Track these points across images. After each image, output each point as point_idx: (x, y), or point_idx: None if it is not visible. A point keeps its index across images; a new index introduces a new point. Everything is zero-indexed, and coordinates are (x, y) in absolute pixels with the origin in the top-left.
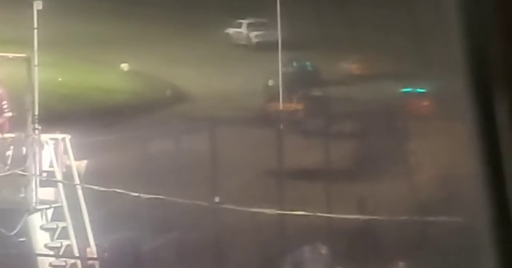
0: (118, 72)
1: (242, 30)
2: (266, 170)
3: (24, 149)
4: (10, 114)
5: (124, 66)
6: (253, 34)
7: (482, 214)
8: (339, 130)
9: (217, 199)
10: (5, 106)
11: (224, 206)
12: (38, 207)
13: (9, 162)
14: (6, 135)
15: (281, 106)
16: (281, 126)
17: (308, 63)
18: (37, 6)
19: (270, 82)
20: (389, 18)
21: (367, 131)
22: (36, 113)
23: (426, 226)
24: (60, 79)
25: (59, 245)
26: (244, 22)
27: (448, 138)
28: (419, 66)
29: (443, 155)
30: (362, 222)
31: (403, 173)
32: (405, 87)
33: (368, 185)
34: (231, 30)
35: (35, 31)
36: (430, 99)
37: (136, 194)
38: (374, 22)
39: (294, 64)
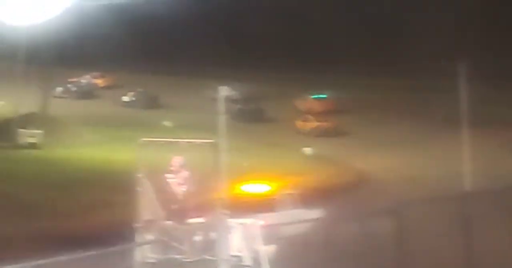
0: (301, 156)
1: None
2: (455, 256)
3: (212, 234)
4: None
5: (307, 150)
6: None
7: None
8: None
9: None
10: (183, 189)
11: None
12: None
13: (197, 247)
14: (194, 221)
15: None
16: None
17: None
18: (223, 91)
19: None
20: None
21: None
22: (224, 197)
23: None
24: (245, 164)
25: None
26: None
27: None
28: None
29: None
30: None
31: None
32: None
33: None
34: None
35: (222, 116)
36: None
37: None
38: None
39: None
